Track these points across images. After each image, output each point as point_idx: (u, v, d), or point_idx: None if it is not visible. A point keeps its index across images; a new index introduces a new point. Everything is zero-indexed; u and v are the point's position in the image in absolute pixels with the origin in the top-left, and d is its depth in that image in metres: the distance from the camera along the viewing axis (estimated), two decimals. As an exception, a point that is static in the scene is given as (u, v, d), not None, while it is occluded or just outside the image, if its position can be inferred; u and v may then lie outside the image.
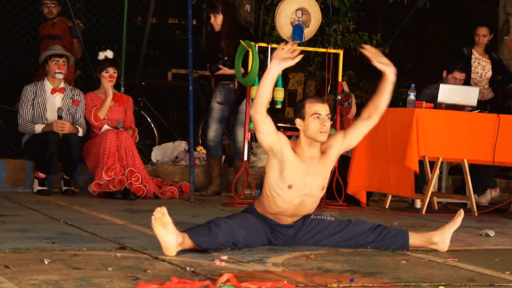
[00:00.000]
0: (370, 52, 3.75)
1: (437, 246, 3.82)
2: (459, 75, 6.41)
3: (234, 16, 6.31)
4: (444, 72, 6.51)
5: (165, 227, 3.32)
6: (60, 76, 6.06)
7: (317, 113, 3.57)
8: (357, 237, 3.77)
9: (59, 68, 6.03)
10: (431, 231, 3.88)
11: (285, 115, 10.33)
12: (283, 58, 3.53)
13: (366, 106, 3.83)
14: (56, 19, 7.02)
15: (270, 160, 3.65)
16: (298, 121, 3.62)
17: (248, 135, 5.99)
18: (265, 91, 3.54)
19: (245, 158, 5.97)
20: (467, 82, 6.93)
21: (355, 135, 3.78)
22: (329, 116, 3.59)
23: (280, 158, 3.59)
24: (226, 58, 6.26)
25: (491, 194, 6.84)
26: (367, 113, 3.79)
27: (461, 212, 3.88)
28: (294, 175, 3.60)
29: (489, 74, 7.15)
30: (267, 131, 3.58)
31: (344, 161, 6.39)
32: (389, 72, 3.76)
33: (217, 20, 6.24)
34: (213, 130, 6.40)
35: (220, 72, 6.28)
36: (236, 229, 3.56)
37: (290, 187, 3.60)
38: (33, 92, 6.06)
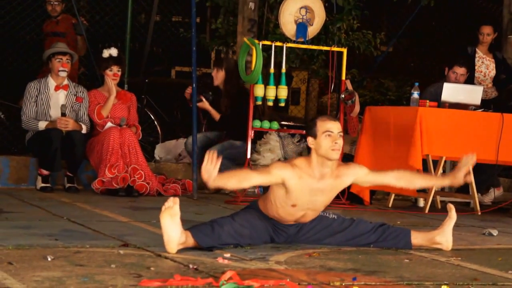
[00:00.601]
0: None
1: (441, 246, 3.82)
2: (459, 70, 6.39)
3: (236, 76, 6.33)
4: (446, 69, 6.51)
5: (173, 218, 3.32)
6: (64, 74, 6.06)
7: (329, 131, 3.53)
8: (359, 236, 3.78)
9: (62, 66, 6.03)
10: (432, 231, 3.88)
11: (289, 113, 10.34)
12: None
13: (406, 172, 3.80)
14: (60, 16, 7.03)
15: None
16: (310, 140, 3.58)
17: (252, 133, 5.98)
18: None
19: (248, 156, 5.97)
20: (471, 81, 6.92)
21: (376, 181, 3.80)
22: (341, 134, 3.56)
23: (286, 187, 3.58)
24: (210, 93, 6.37)
25: (494, 193, 6.83)
26: (401, 177, 3.77)
27: (451, 206, 3.88)
28: (299, 197, 3.59)
29: (493, 73, 7.13)
30: (265, 183, 3.60)
31: (348, 159, 6.39)
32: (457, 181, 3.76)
33: (218, 75, 6.41)
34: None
35: (200, 104, 6.34)
36: (239, 229, 3.56)
37: (294, 206, 3.62)
38: (37, 89, 6.07)
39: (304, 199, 3.59)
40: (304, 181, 3.56)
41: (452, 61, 6.46)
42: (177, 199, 3.36)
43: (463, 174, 3.69)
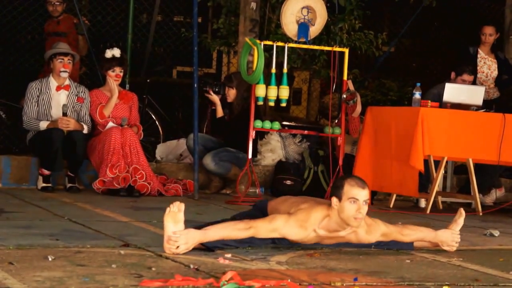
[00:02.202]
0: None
1: (445, 247, 3.80)
2: (468, 78, 6.39)
3: (246, 90, 6.33)
4: (453, 74, 6.47)
5: (176, 224, 3.30)
6: (65, 75, 6.06)
7: (354, 198, 3.38)
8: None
9: (64, 66, 6.03)
10: (434, 230, 3.87)
11: (290, 114, 10.33)
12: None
13: (404, 232, 3.76)
14: (61, 16, 7.03)
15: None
16: (334, 200, 3.42)
17: (253, 133, 5.98)
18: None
19: (250, 156, 5.97)
20: (473, 81, 6.91)
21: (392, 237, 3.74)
22: (367, 201, 3.42)
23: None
24: (216, 83, 6.39)
25: (496, 194, 6.82)
26: (403, 235, 3.76)
27: (462, 212, 3.89)
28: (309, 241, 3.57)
29: (495, 73, 7.13)
30: (272, 234, 3.49)
31: (349, 159, 6.39)
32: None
33: (229, 93, 6.46)
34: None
35: (208, 96, 6.36)
36: None
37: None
38: (38, 89, 6.07)
39: (313, 241, 3.58)
40: (316, 233, 3.51)
41: (461, 68, 6.42)
42: (182, 205, 3.29)
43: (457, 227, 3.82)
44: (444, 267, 3.39)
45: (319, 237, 3.53)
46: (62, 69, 6.02)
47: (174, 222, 3.29)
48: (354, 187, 3.38)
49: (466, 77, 6.38)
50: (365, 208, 3.41)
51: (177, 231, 3.28)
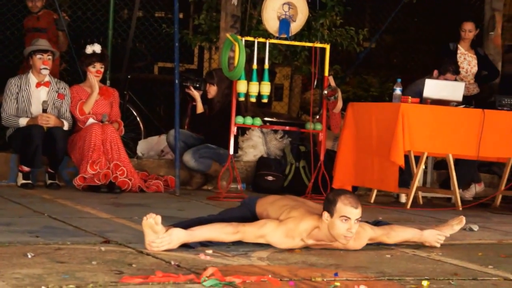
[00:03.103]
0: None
1: (427, 244, 3.82)
2: (451, 77, 6.42)
3: (227, 87, 6.32)
4: (435, 72, 6.50)
5: (155, 233, 3.29)
6: (46, 72, 6.02)
7: (346, 216, 3.34)
8: None
9: (44, 63, 5.98)
10: (424, 229, 3.88)
11: (272, 109, 10.33)
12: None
13: (391, 234, 3.74)
14: (41, 12, 6.98)
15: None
16: (325, 215, 3.38)
17: (234, 129, 5.98)
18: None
19: (231, 152, 5.97)
20: (453, 77, 6.95)
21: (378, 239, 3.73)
22: (359, 219, 3.39)
23: None
24: (197, 79, 6.39)
25: (475, 189, 6.88)
26: (389, 238, 3.75)
27: (463, 220, 3.92)
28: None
29: (475, 69, 7.18)
30: (259, 240, 3.46)
31: (330, 155, 6.41)
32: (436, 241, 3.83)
33: (210, 89, 6.45)
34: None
35: (188, 91, 6.37)
36: None
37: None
38: (17, 86, 6.02)
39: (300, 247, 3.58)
40: (304, 242, 3.49)
41: (444, 67, 6.44)
42: (158, 218, 3.26)
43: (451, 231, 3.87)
44: (423, 262, 3.41)
45: (306, 245, 3.53)
46: (42, 66, 5.98)
47: (154, 232, 3.28)
48: (347, 206, 3.34)
49: (449, 76, 6.41)
50: (355, 227, 3.38)
51: (159, 235, 3.26)
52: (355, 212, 3.35)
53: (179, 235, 3.31)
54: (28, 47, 6.14)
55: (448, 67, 6.44)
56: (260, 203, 3.70)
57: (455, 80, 6.73)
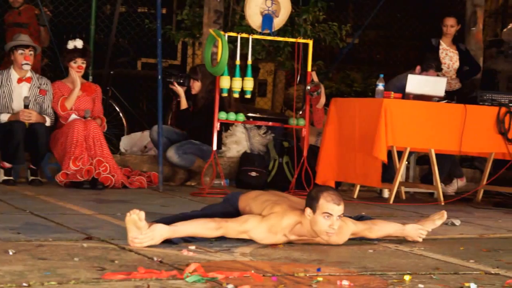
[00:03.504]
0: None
1: (409, 239, 3.84)
2: (434, 74, 6.45)
3: (211, 83, 6.31)
4: (418, 68, 6.52)
5: (138, 229, 3.28)
6: (27, 67, 5.98)
7: (328, 213, 3.35)
8: None
9: (25, 59, 5.94)
10: (406, 224, 3.89)
11: (255, 105, 10.34)
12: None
13: (373, 229, 3.74)
14: (22, 7, 6.93)
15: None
16: (308, 211, 3.38)
17: (218, 125, 5.97)
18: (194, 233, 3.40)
19: (214, 148, 5.96)
20: (435, 73, 6.98)
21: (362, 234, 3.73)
22: (341, 216, 3.39)
23: None
24: (181, 75, 6.38)
25: (457, 184, 6.92)
26: (371, 232, 3.75)
27: (444, 215, 3.93)
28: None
29: (457, 65, 7.22)
30: (242, 236, 3.45)
31: (313, 151, 6.42)
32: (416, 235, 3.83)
33: (194, 85, 6.43)
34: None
35: (172, 87, 6.36)
36: None
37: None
38: (-1, 81, 5.98)
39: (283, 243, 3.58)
40: (286, 238, 3.49)
41: (427, 64, 6.46)
42: (142, 213, 3.25)
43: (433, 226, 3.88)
44: (406, 257, 3.43)
45: (288, 240, 3.54)
46: (24, 62, 5.93)
47: (137, 228, 3.27)
48: (329, 203, 3.34)
49: (431, 73, 6.44)
50: (337, 223, 3.38)
51: (142, 231, 3.26)
52: (337, 209, 3.36)
53: (162, 231, 3.30)
54: (9, 43, 6.09)
55: (431, 63, 6.46)
56: (242, 198, 3.70)
57: (437, 76, 6.77)
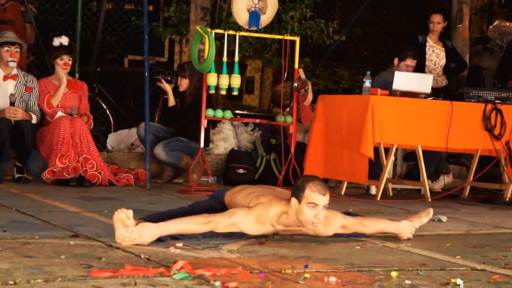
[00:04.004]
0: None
1: (399, 236, 3.85)
2: (412, 62, 6.47)
3: (198, 81, 6.30)
4: (396, 60, 6.55)
5: (126, 227, 3.27)
6: (13, 64, 5.94)
7: (314, 203, 3.36)
8: None
9: (11, 56, 5.91)
10: (394, 221, 3.90)
11: (242, 102, 10.33)
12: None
13: (365, 223, 3.76)
14: (7, 3, 6.88)
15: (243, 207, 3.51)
16: (293, 201, 3.40)
17: (205, 122, 5.97)
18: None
19: (202, 145, 5.95)
20: (421, 69, 7.01)
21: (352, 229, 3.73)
22: (327, 206, 3.41)
23: None
24: (168, 72, 6.38)
25: (444, 180, 6.95)
26: (365, 227, 3.76)
27: (430, 212, 3.95)
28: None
29: (443, 61, 7.24)
30: (231, 228, 3.45)
31: (301, 147, 6.43)
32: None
33: (182, 82, 6.43)
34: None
35: (160, 85, 6.35)
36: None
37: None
38: (-16, 79, 5.94)
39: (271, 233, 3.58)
40: (274, 228, 3.50)
41: (404, 53, 6.50)
42: (130, 212, 3.25)
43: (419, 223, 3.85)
44: (393, 253, 3.44)
45: (276, 231, 3.55)
46: (10, 59, 5.90)
47: (124, 226, 3.26)
48: (315, 193, 3.35)
49: (409, 61, 6.45)
50: (323, 213, 3.40)
51: (130, 229, 3.25)
52: (323, 199, 3.37)
53: (152, 229, 3.29)
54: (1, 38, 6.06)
55: (407, 52, 6.49)
56: (228, 193, 3.71)
57: (423, 70, 6.79)
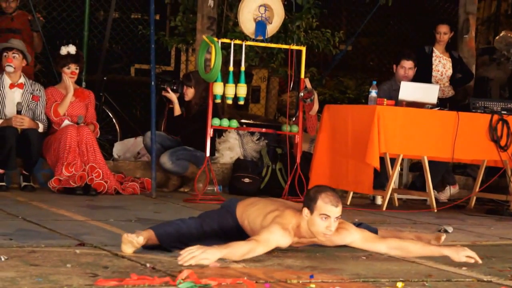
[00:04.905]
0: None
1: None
2: (406, 63, 6.42)
3: (204, 90, 6.32)
4: (394, 66, 6.57)
5: (133, 248, 3.28)
6: (10, 69, 5.95)
7: (326, 215, 3.30)
8: None
9: (7, 61, 5.93)
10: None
11: (248, 112, 10.35)
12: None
13: (401, 242, 3.51)
14: (15, 12, 6.92)
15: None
16: (305, 211, 3.34)
17: (211, 131, 5.97)
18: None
19: (207, 154, 5.96)
20: (428, 79, 7.01)
21: (367, 249, 3.56)
22: (339, 217, 3.32)
23: None
24: (174, 81, 6.39)
25: (450, 191, 6.94)
26: (396, 248, 3.49)
27: (442, 237, 3.85)
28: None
29: (450, 72, 7.24)
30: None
31: (307, 157, 6.43)
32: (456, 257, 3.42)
33: (187, 92, 6.45)
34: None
35: (166, 94, 6.37)
36: (207, 236, 3.49)
37: None
38: (-9, 87, 5.96)
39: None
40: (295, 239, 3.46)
41: (398, 57, 6.53)
42: (141, 239, 3.27)
43: (465, 255, 3.39)
44: (398, 264, 3.43)
45: (294, 243, 3.49)
46: (7, 64, 5.93)
47: (133, 246, 3.28)
48: (327, 204, 3.30)
49: (404, 63, 6.42)
50: (335, 225, 3.35)
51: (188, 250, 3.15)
52: (335, 211, 3.32)
53: (215, 255, 3.14)
54: None
55: (400, 55, 6.50)
56: (240, 205, 3.66)
57: (429, 81, 6.79)
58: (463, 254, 3.35)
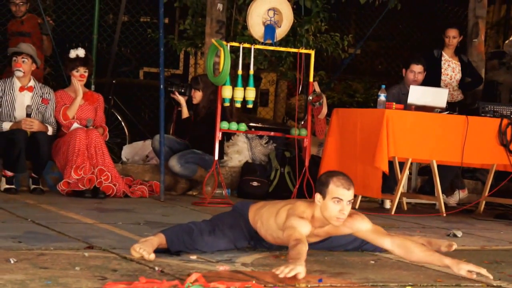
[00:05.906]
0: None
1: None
2: (416, 67, 6.42)
3: (212, 93, 6.33)
4: (403, 70, 6.56)
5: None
6: (19, 74, 5.97)
7: (338, 198, 3.28)
8: (343, 245, 3.76)
9: (16, 65, 5.95)
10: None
11: (257, 115, 10.35)
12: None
13: (407, 241, 3.43)
14: (25, 16, 6.95)
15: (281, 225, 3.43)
16: (317, 197, 3.33)
17: (219, 135, 5.98)
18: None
19: (216, 157, 5.96)
20: (437, 83, 7.00)
21: (373, 241, 3.49)
22: (351, 201, 3.30)
23: None
24: (182, 84, 6.41)
25: (459, 195, 6.91)
26: (400, 246, 3.39)
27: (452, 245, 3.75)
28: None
29: (459, 76, 7.22)
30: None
31: (315, 161, 6.42)
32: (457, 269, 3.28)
33: (195, 95, 6.46)
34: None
35: (174, 97, 6.39)
36: (218, 241, 3.49)
37: None
38: (1, 90, 5.99)
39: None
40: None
41: (407, 61, 6.53)
42: (153, 256, 3.22)
43: (466, 269, 3.24)
44: (407, 268, 3.42)
45: (311, 234, 3.46)
46: (15, 68, 5.96)
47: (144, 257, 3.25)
48: (339, 188, 3.28)
49: (414, 67, 6.42)
50: (348, 208, 3.32)
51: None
52: (348, 194, 3.29)
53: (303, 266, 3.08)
54: (9, 49, 6.13)
55: (409, 59, 6.51)
56: (252, 208, 3.65)
57: (438, 85, 6.77)
58: (464, 268, 3.23)
